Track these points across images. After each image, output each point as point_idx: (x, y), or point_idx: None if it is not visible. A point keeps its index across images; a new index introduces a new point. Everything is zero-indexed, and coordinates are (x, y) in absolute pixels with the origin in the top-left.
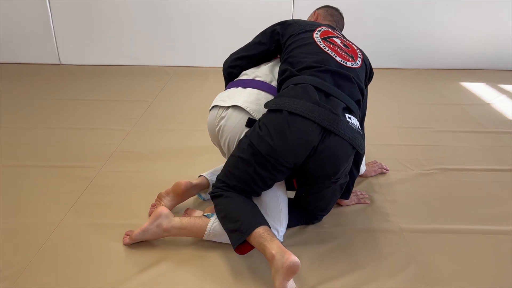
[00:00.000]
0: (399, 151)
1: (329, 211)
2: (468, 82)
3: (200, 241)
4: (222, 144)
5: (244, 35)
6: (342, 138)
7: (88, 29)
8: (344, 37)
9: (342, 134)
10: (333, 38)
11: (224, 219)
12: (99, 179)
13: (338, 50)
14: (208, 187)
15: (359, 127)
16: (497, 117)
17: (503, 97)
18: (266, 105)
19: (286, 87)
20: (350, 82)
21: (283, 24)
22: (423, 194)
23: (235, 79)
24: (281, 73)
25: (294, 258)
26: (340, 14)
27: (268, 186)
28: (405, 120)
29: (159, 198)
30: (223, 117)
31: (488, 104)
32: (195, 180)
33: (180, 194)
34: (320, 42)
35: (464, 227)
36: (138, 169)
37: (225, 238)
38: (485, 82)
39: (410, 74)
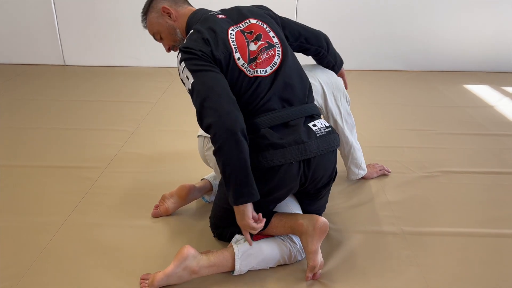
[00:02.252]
0: (402, 153)
1: (324, 209)
2: (471, 85)
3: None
4: (212, 168)
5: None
6: (321, 154)
7: (92, 30)
8: (234, 17)
9: (319, 153)
10: (251, 49)
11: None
12: (103, 180)
13: (262, 55)
14: (211, 190)
15: (326, 126)
16: (500, 120)
17: (506, 100)
18: None
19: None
20: (288, 77)
21: (194, 50)
22: (425, 197)
23: None
24: None
25: (322, 218)
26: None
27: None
28: (407, 122)
29: (163, 199)
30: (209, 148)
31: (491, 106)
32: (198, 183)
33: (184, 197)
34: (249, 70)
35: (466, 230)
36: (141, 170)
37: (257, 264)
38: (488, 85)
39: (412, 76)
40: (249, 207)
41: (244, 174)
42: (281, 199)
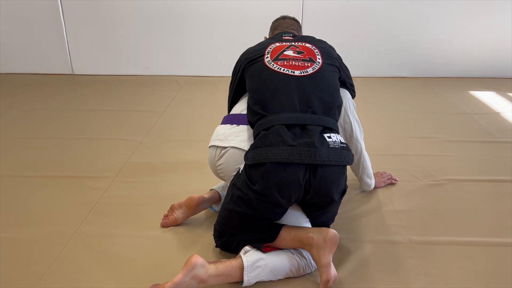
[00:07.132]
0: (408, 162)
1: (333, 220)
2: (477, 91)
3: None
4: (224, 179)
5: (254, 44)
6: (329, 165)
7: (100, 40)
8: (298, 40)
9: (328, 161)
10: (284, 52)
11: (248, 244)
12: (112, 190)
13: (294, 62)
14: (220, 200)
15: (342, 141)
16: (507, 127)
17: None
18: (246, 159)
19: (258, 134)
20: (320, 89)
21: (242, 61)
22: (433, 206)
23: (229, 113)
24: (250, 114)
25: (332, 230)
26: (290, 18)
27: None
28: (413, 129)
29: (172, 209)
30: (221, 157)
31: (498, 113)
32: (207, 194)
33: (193, 208)
34: (273, 65)
35: (474, 239)
36: (150, 180)
37: (265, 275)
38: (495, 91)
39: (418, 82)
40: None
41: None
42: (283, 205)
